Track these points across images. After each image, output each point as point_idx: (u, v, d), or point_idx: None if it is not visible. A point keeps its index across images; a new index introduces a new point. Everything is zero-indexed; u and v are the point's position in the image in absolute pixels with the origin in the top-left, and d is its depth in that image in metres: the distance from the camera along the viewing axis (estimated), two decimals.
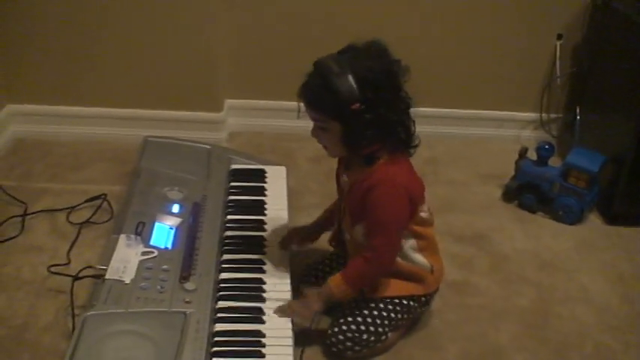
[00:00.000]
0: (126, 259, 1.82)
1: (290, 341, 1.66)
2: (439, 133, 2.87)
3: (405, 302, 1.83)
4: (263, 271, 1.86)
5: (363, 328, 1.78)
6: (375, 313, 1.80)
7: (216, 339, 1.63)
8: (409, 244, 1.81)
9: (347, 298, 1.78)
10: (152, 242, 1.90)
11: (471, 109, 2.86)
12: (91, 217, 2.28)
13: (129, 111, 2.76)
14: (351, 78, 1.60)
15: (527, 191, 2.51)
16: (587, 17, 2.73)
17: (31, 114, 2.76)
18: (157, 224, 1.97)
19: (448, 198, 2.54)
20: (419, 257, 1.83)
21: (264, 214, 2.09)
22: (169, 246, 1.90)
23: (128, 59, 2.67)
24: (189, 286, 1.75)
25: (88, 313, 1.64)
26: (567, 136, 2.85)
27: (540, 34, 2.81)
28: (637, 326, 2.03)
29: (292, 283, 1.86)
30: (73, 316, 1.81)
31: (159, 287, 1.74)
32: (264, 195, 2.18)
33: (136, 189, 2.14)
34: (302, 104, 1.69)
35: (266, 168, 2.33)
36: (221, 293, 1.76)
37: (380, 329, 1.79)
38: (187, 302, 1.70)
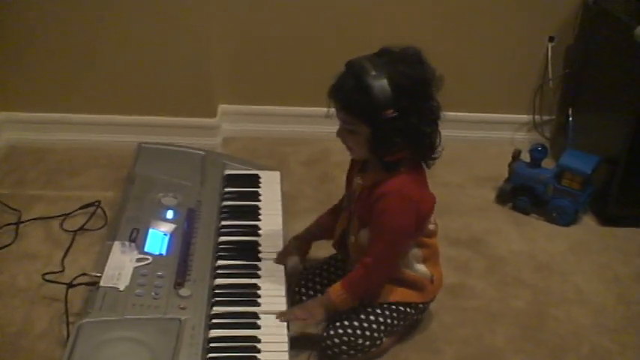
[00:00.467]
0: (120, 266, 1.81)
1: (285, 346, 1.66)
2: None
3: (402, 309, 1.83)
4: (258, 277, 1.85)
5: (359, 332, 1.77)
6: (372, 318, 1.80)
7: (212, 345, 1.63)
8: (413, 253, 1.80)
9: (347, 307, 1.77)
10: (146, 249, 1.89)
11: (464, 112, 2.86)
12: (85, 224, 2.27)
13: (123, 117, 2.76)
14: (386, 83, 1.57)
15: (521, 193, 2.51)
16: (578, 19, 2.74)
17: (25, 121, 2.75)
18: (151, 230, 1.96)
19: (443, 201, 2.51)
20: (421, 267, 1.83)
21: (259, 220, 2.09)
22: (164, 252, 1.90)
23: (122, 66, 2.67)
24: (183, 292, 1.75)
25: (83, 321, 1.64)
26: (560, 137, 2.85)
27: (532, 37, 2.82)
28: (633, 327, 2.03)
29: (287, 288, 1.85)
30: (68, 323, 1.81)
31: (153, 294, 1.73)
32: (259, 200, 2.18)
33: (131, 195, 2.13)
34: (332, 105, 1.65)
35: (260, 173, 2.33)
36: (216, 299, 1.76)
37: (376, 334, 1.79)
38: (182, 308, 1.70)
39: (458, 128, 2.94)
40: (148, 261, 1.85)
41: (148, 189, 2.15)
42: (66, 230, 2.26)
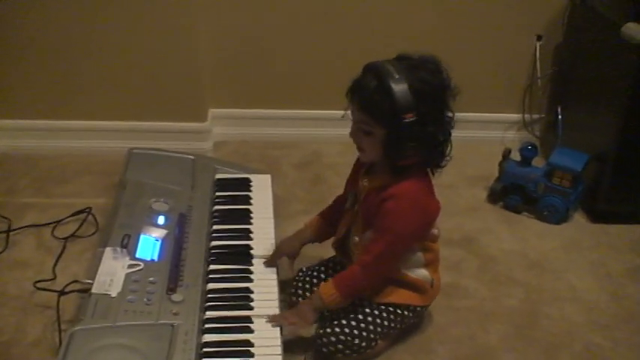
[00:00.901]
0: (112, 273, 1.81)
1: (279, 350, 1.65)
2: None
3: (399, 311, 1.83)
4: (250, 280, 1.85)
5: (355, 332, 1.77)
6: (370, 319, 1.79)
7: (205, 350, 1.62)
8: (417, 256, 1.81)
9: (338, 306, 1.77)
10: (138, 255, 1.88)
11: (454, 111, 2.86)
12: (76, 231, 2.27)
13: (113, 123, 2.75)
14: (407, 87, 1.58)
15: (512, 192, 2.52)
16: (565, 18, 2.75)
17: (16, 129, 2.74)
18: (142, 236, 1.96)
19: None
20: (423, 271, 1.83)
21: (250, 223, 2.08)
22: (155, 258, 1.89)
23: (112, 71, 2.66)
24: (176, 297, 1.74)
25: (75, 328, 1.63)
26: (550, 136, 2.86)
27: (520, 36, 2.83)
28: (625, 324, 2.04)
29: (280, 291, 1.85)
30: (60, 331, 1.80)
31: (146, 300, 1.73)
32: (250, 204, 2.18)
33: (122, 201, 2.12)
34: (349, 105, 1.66)
35: (251, 177, 2.32)
36: (209, 304, 1.76)
37: (372, 335, 1.79)
38: (175, 314, 1.69)
39: None
40: (140, 267, 1.84)
41: (139, 195, 2.15)
42: (57, 237, 2.25)
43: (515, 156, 2.55)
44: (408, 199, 1.68)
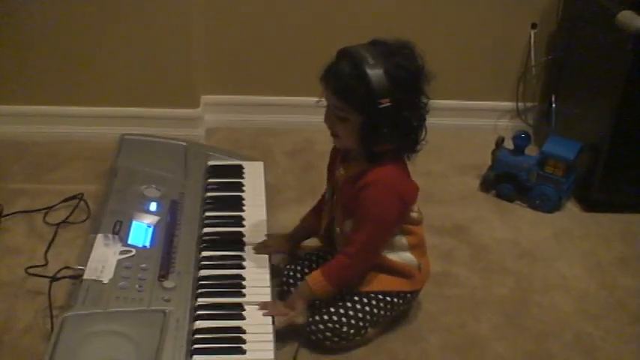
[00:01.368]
0: (104, 259, 1.81)
1: (271, 337, 1.66)
2: None
3: (388, 299, 1.83)
4: (242, 267, 1.85)
5: (344, 320, 1.77)
6: (359, 307, 1.80)
7: (197, 336, 1.62)
8: (398, 240, 1.81)
9: (326, 296, 1.78)
10: (130, 241, 1.89)
11: (446, 99, 2.85)
12: (68, 217, 2.26)
13: (105, 109, 2.74)
14: (383, 72, 1.57)
15: (505, 181, 2.52)
16: (560, 6, 2.75)
17: (6, 114, 2.72)
18: (134, 223, 1.96)
19: (426, 189, 2.52)
20: (408, 255, 1.83)
21: (243, 210, 2.08)
22: (147, 244, 1.89)
23: (103, 57, 2.65)
24: (168, 284, 1.75)
25: (67, 314, 1.63)
26: (543, 124, 2.86)
27: (515, 24, 2.82)
28: (616, 313, 2.05)
29: (272, 279, 1.85)
30: (52, 317, 1.79)
31: (137, 286, 1.73)
32: (242, 191, 2.18)
33: (113, 188, 2.12)
34: (324, 90, 1.65)
35: (243, 164, 2.32)
36: (200, 290, 1.76)
37: (361, 323, 1.79)
38: (166, 300, 1.69)
39: (440, 116, 2.91)
40: (132, 253, 1.84)
41: (131, 181, 2.15)
42: (49, 224, 2.24)
43: (508, 144, 2.55)
44: (383, 185, 1.69)
